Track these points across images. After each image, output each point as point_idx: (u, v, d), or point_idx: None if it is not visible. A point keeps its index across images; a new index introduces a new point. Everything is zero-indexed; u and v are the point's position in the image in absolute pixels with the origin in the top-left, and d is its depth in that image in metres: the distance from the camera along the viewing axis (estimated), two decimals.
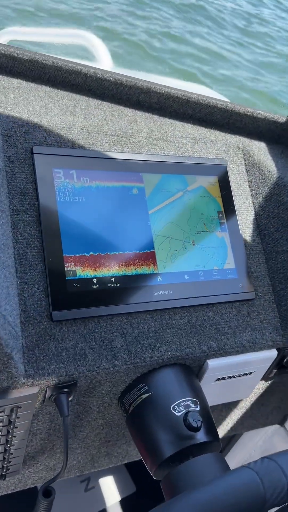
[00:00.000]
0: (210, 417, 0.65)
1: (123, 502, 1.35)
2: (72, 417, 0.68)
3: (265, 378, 0.83)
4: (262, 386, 0.87)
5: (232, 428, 0.96)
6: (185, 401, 0.64)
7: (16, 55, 0.74)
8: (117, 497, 1.35)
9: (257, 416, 0.97)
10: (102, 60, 1.16)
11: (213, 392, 0.78)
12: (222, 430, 0.95)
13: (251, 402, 0.91)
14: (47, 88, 0.76)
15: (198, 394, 0.66)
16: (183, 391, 0.65)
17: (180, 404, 0.63)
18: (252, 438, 1.11)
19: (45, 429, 0.67)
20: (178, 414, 0.62)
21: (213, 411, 0.88)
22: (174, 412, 0.62)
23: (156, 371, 0.66)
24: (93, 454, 0.80)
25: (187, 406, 0.63)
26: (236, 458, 1.15)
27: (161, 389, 0.65)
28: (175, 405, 0.63)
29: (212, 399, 0.81)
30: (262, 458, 0.46)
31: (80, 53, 1.22)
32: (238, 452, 1.14)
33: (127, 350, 0.64)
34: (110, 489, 1.35)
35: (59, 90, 0.77)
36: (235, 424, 0.95)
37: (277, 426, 1.06)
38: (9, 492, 0.77)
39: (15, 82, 0.75)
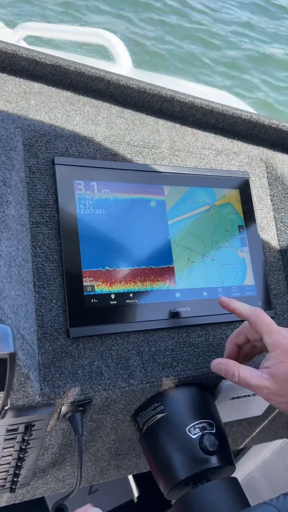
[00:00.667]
0: (225, 439, 0.64)
1: (126, 506, 1.35)
2: (85, 433, 0.67)
3: None
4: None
5: (241, 442, 0.95)
6: (201, 423, 0.63)
7: (38, 59, 0.72)
8: (121, 501, 1.35)
9: (267, 431, 0.96)
10: (121, 61, 1.14)
11: (227, 409, 0.76)
12: (232, 444, 0.94)
13: (263, 418, 0.90)
14: (69, 94, 0.75)
15: (214, 416, 0.65)
16: (199, 412, 0.64)
17: (196, 426, 0.62)
18: (260, 451, 1.10)
19: (57, 444, 0.66)
20: (194, 437, 0.61)
21: (225, 426, 0.87)
22: (190, 434, 0.61)
23: (172, 391, 0.65)
24: (102, 467, 0.79)
25: (203, 428, 0.62)
26: (242, 469, 1.15)
27: (177, 409, 0.64)
28: (191, 426, 0.62)
29: (226, 417, 0.79)
30: (284, 494, 0.45)
31: (98, 53, 1.20)
32: (245, 463, 1.13)
33: (143, 368, 0.62)
34: (113, 492, 1.35)
35: (80, 96, 0.75)
36: (246, 438, 0.94)
37: (286, 440, 1.05)
38: (16, 502, 0.77)
39: (36, 86, 0.73)
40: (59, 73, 0.74)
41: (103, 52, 1.17)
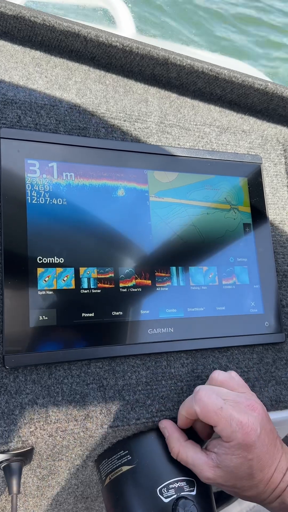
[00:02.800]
0: (210, 504, 0.49)
1: None
2: (35, 479, 0.53)
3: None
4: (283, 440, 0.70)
5: None
6: (177, 481, 0.48)
7: None
8: None
9: None
10: (122, 25, 0.98)
11: None
12: None
13: None
14: (38, 54, 0.60)
15: None
16: (177, 466, 0.49)
17: (171, 486, 0.47)
18: None
19: None
20: (166, 501, 0.46)
21: None
22: (161, 496, 0.47)
23: (143, 437, 0.50)
24: (68, 510, 0.65)
25: (179, 489, 0.47)
26: (244, 503, 0.99)
27: (148, 461, 0.49)
28: (164, 486, 0.47)
29: None
30: None
31: (99, 17, 1.04)
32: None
33: (105, 408, 0.48)
34: None
35: (52, 57, 0.60)
36: None
37: None
38: None
39: None
40: (25, 28, 0.59)
41: (104, 16, 1.02)
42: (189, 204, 0.57)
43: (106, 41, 0.59)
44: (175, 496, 0.47)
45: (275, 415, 0.56)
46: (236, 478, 0.45)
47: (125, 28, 1.00)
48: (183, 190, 0.57)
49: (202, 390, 0.45)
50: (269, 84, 0.63)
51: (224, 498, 0.99)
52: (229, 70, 0.62)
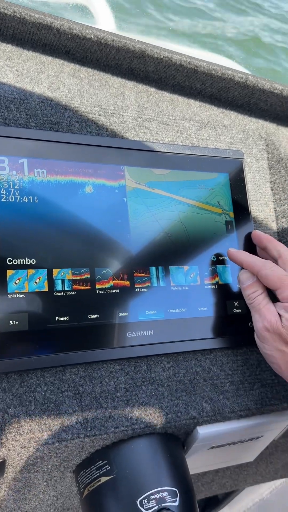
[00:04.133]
0: None
1: None
2: (10, 492, 0.51)
3: (275, 440, 0.64)
4: (272, 445, 0.68)
5: (232, 486, 0.78)
6: (159, 492, 0.46)
7: None
8: None
9: (263, 473, 0.78)
10: (101, 22, 0.96)
11: (206, 460, 0.59)
12: (219, 488, 0.77)
13: (256, 461, 0.73)
14: (9, 47, 0.57)
15: (180, 479, 0.48)
16: (159, 476, 0.47)
17: (152, 497, 0.45)
18: (258, 488, 0.93)
19: None
20: None
21: (206, 472, 0.70)
22: (142, 508, 0.44)
23: (123, 445, 0.48)
24: None
25: (161, 500, 0.45)
26: (237, 506, 0.97)
27: (128, 471, 0.47)
28: (144, 497, 0.45)
29: (205, 466, 0.62)
30: None
31: (78, 14, 1.02)
32: (240, 501, 0.96)
33: (81, 416, 0.45)
34: None
35: (24, 50, 0.58)
36: (236, 481, 0.77)
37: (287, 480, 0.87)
38: None
39: None
40: None
41: (83, 13, 0.99)
42: (180, 200, 0.55)
43: (80, 34, 0.57)
44: (156, 507, 0.44)
45: (260, 420, 0.54)
46: None
47: (104, 24, 0.98)
48: (176, 186, 0.55)
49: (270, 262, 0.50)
50: (249, 77, 0.61)
51: (214, 504, 0.97)
52: (208, 63, 0.60)
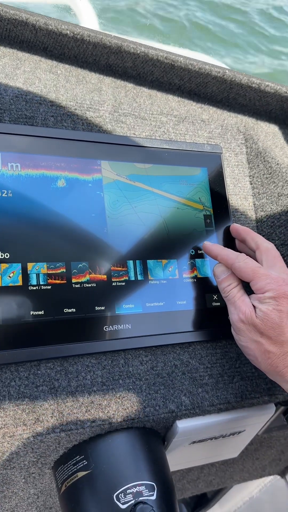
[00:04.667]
0: (172, 509, 0.46)
1: None
2: None
3: (259, 435, 0.64)
4: (256, 441, 0.68)
5: (219, 483, 0.78)
6: (136, 485, 0.45)
7: None
8: None
9: (250, 470, 0.78)
10: (85, 21, 0.96)
11: (187, 456, 0.59)
12: (206, 486, 0.77)
13: (242, 457, 0.72)
14: None
15: (158, 473, 0.47)
16: (136, 470, 0.46)
17: (128, 491, 0.45)
18: (246, 487, 0.92)
19: None
20: (123, 507, 0.44)
21: (190, 470, 0.70)
22: (118, 502, 0.44)
23: (100, 440, 0.47)
24: None
25: (137, 494, 0.45)
26: (227, 505, 0.97)
27: (105, 466, 0.46)
28: (121, 492, 0.44)
29: (188, 462, 0.62)
30: None
31: (61, 14, 1.02)
32: (229, 499, 0.95)
33: (57, 411, 0.45)
34: None
35: (1, 47, 0.58)
36: (223, 479, 0.77)
37: (276, 476, 0.87)
38: None
39: None
40: None
41: (66, 12, 1.00)
42: (161, 194, 0.55)
43: (55, 29, 0.57)
44: (132, 501, 0.44)
45: (241, 414, 0.54)
46: (267, 327, 0.46)
47: (87, 24, 0.98)
48: (158, 180, 0.55)
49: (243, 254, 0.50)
50: (227, 71, 0.61)
51: (204, 502, 0.96)
52: (185, 58, 0.60)
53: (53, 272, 0.48)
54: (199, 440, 0.56)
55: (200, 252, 0.56)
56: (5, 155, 0.48)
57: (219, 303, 0.55)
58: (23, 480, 0.51)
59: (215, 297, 0.55)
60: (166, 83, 0.64)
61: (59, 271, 0.48)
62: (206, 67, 0.60)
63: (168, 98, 0.63)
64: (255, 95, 0.64)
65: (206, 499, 0.97)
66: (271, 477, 0.88)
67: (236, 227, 0.56)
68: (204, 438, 0.56)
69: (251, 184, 0.62)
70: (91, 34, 0.58)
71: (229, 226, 0.58)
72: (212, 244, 0.53)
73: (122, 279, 0.51)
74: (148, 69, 0.62)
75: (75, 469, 0.47)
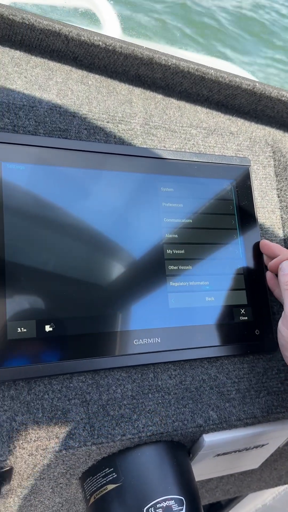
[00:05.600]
0: None
1: None
2: (16, 499, 0.51)
3: (280, 447, 0.64)
4: (276, 452, 0.68)
5: (235, 492, 0.78)
6: (166, 500, 0.46)
7: None
8: None
9: (267, 480, 0.78)
10: (107, 27, 0.96)
11: (211, 467, 0.59)
12: (223, 494, 0.77)
13: (261, 467, 0.73)
14: (18, 54, 0.57)
15: (186, 487, 0.48)
16: (165, 484, 0.47)
17: (158, 505, 0.45)
18: (261, 495, 0.93)
19: None
20: None
21: (211, 479, 0.70)
22: None
23: (129, 453, 0.48)
24: None
25: (167, 509, 0.45)
26: (240, 511, 0.97)
27: (135, 479, 0.47)
28: (151, 506, 0.45)
29: (210, 473, 0.62)
30: None
31: (84, 19, 1.02)
32: (242, 507, 0.96)
33: (88, 424, 0.45)
34: None
35: (32, 57, 0.58)
36: (240, 488, 0.77)
37: None
38: None
39: None
40: (4, 26, 0.56)
41: (89, 18, 1.00)
42: (188, 209, 0.56)
43: (88, 40, 0.57)
44: None
45: (266, 428, 0.54)
46: None
47: (110, 29, 0.98)
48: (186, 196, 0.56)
49: None
50: (257, 84, 0.61)
51: (217, 509, 0.97)
52: (216, 70, 0.60)
53: None
54: (223, 453, 0.56)
55: (229, 266, 0.56)
56: (40, 168, 0.48)
57: (246, 317, 0.55)
58: (51, 490, 0.52)
59: (242, 311, 0.55)
60: (195, 94, 0.64)
61: None
62: (237, 80, 0.60)
63: (196, 110, 0.63)
64: (283, 108, 0.64)
65: (219, 505, 0.97)
66: (286, 486, 0.89)
67: (267, 244, 0.56)
68: (229, 451, 0.56)
69: (278, 197, 0.62)
70: (123, 46, 0.58)
71: (257, 239, 0.58)
72: (271, 243, 0.56)
73: None
74: (178, 80, 0.62)
75: (105, 481, 0.47)
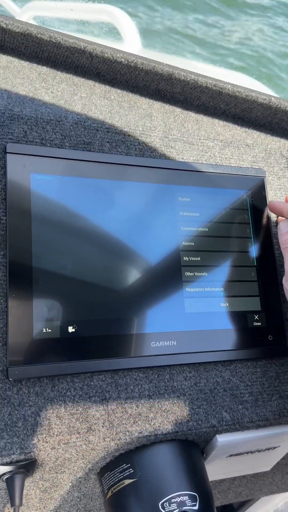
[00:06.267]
0: None
1: None
2: (37, 491, 0.54)
3: None
4: (287, 456, 0.70)
5: (247, 495, 0.80)
6: (179, 495, 0.48)
7: (5, 25, 0.58)
8: None
9: (279, 484, 0.79)
10: (128, 40, 1.00)
11: (224, 467, 0.61)
12: (235, 497, 0.79)
13: (273, 471, 0.74)
14: (44, 69, 0.61)
15: (199, 484, 0.50)
16: (180, 480, 0.49)
17: (173, 500, 0.47)
18: (273, 499, 0.94)
19: None
20: None
21: (224, 480, 0.72)
22: (163, 510, 0.47)
23: (146, 450, 0.50)
24: None
25: (181, 504, 0.47)
26: None
27: (150, 475, 0.49)
28: (166, 500, 0.47)
29: (222, 473, 0.64)
30: None
31: (106, 32, 1.06)
32: (253, 510, 0.97)
33: (107, 421, 0.48)
34: None
35: (58, 72, 0.62)
36: (252, 491, 0.79)
37: None
38: None
39: (4, 60, 0.60)
40: (33, 44, 0.60)
41: (110, 31, 1.03)
42: (208, 216, 0.58)
43: (111, 57, 0.60)
44: (177, 510, 0.47)
45: (278, 430, 0.56)
46: None
47: (131, 41, 1.01)
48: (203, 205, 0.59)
49: None
50: (272, 98, 0.63)
51: (230, 510, 0.98)
52: (233, 85, 0.62)
53: None
54: (236, 454, 0.58)
55: (243, 273, 0.58)
56: (65, 179, 0.52)
57: (260, 323, 0.57)
58: (70, 484, 0.54)
59: (256, 317, 0.57)
60: (212, 108, 0.66)
61: None
62: (253, 94, 0.63)
63: (214, 123, 0.65)
64: None
65: (231, 508, 0.98)
66: None
67: (274, 203, 0.59)
68: (241, 452, 0.58)
69: None
70: (144, 62, 0.61)
71: (271, 248, 0.60)
72: (280, 202, 0.59)
73: None
74: (196, 95, 0.64)
75: (122, 476, 0.50)
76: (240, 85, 0.63)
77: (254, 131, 0.67)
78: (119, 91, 0.63)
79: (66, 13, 1.22)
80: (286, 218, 0.58)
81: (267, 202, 0.61)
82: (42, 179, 0.51)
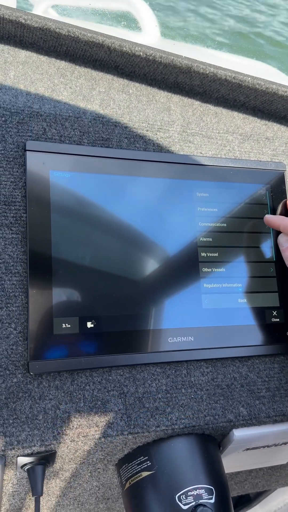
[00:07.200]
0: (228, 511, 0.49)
1: None
2: (57, 480, 0.55)
3: None
4: None
5: (264, 486, 0.80)
6: (196, 488, 0.49)
7: (23, 21, 0.58)
8: None
9: None
10: (147, 30, 0.98)
11: (240, 461, 0.62)
12: (251, 487, 0.80)
13: None
14: (63, 64, 0.61)
15: (216, 478, 0.51)
16: (196, 474, 0.50)
17: (189, 493, 0.48)
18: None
19: (17, 501, 0.55)
20: (185, 508, 0.47)
21: (240, 472, 0.73)
22: (180, 503, 0.48)
23: (163, 443, 0.51)
24: (89, 510, 0.67)
25: (198, 497, 0.48)
26: (267, 506, 0.99)
27: (168, 468, 0.50)
28: (183, 493, 0.48)
29: (239, 466, 0.65)
30: None
31: (123, 22, 1.05)
32: (269, 501, 0.98)
33: (125, 415, 0.49)
34: None
35: (77, 67, 0.61)
36: (268, 482, 0.79)
37: None
38: None
39: (23, 55, 0.60)
40: (51, 39, 0.60)
41: (129, 21, 1.02)
42: (227, 211, 0.58)
43: (129, 51, 0.60)
44: (193, 503, 0.47)
45: None
46: None
47: (150, 32, 1.00)
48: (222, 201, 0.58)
49: None
50: None
51: (246, 501, 0.99)
52: (253, 78, 0.61)
53: None
54: (252, 448, 0.58)
55: (261, 269, 0.58)
56: (85, 176, 0.52)
57: (278, 319, 0.57)
58: (89, 474, 0.56)
59: (274, 313, 0.57)
60: (231, 100, 0.65)
61: None
62: (273, 86, 0.62)
63: (233, 116, 0.65)
64: None
65: (247, 498, 0.99)
66: None
67: (270, 218, 0.57)
68: (258, 446, 0.58)
69: None
70: (162, 56, 0.60)
71: None
72: (274, 216, 0.57)
73: None
74: (215, 87, 0.64)
75: (139, 468, 0.51)
76: (260, 77, 0.62)
77: (275, 124, 0.66)
78: (137, 84, 0.63)
79: (84, 2, 1.21)
80: (284, 233, 0.56)
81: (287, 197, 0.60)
82: (61, 176, 0.51)
